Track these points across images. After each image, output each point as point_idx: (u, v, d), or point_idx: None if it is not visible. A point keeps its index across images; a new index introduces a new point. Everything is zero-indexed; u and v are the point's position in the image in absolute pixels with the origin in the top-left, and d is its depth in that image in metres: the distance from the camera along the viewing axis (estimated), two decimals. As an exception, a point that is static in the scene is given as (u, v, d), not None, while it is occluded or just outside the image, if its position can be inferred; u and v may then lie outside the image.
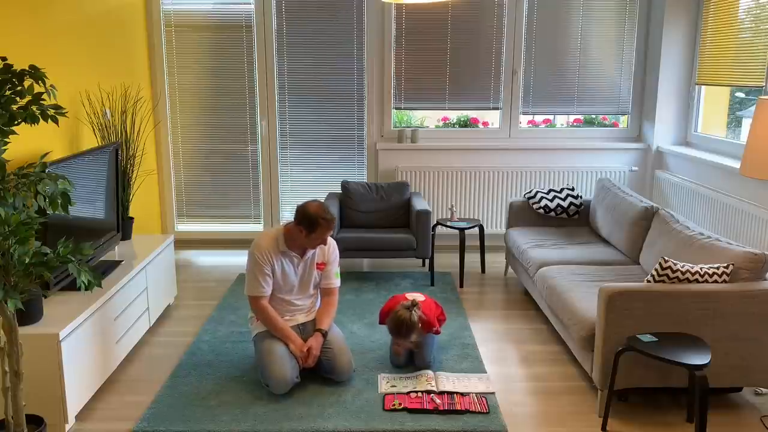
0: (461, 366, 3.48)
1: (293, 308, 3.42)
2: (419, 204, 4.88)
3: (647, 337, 2.83)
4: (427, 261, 5.25)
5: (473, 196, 5.61)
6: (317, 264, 3.43)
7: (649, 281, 3.03)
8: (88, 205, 3.51)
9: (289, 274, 3.36)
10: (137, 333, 3.67)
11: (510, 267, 4.92)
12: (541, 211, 4.77)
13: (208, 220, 5.86)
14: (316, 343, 3.28)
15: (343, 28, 5.48)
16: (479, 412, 3.01)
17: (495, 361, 3.60)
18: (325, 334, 3.33)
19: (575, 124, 5.81)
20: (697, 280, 2.98)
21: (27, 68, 2.41)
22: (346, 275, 4.98)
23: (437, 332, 3.60)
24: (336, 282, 3.49)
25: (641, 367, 2.97)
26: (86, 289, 2.40)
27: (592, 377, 3.07)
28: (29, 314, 2.81)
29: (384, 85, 5.58)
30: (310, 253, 3.41)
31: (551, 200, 4.76)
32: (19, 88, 2.39)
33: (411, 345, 3.43)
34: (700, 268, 3.00)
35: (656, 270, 3.00)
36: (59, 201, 2.40)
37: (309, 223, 3.21)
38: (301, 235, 3.26)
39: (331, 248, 3.48)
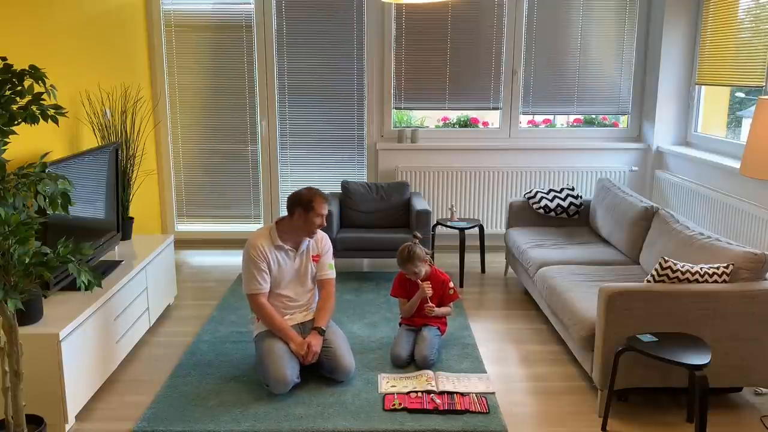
0: (461, 366, 3.49)
1: (292, 305, 3.42)
2: (419, 204, 4.88)
3: (647, 337, 2.83)
4: (427, 261, 5.25)
5: (473, 196, 5.61)
6: (313, 257, 3.46)
7: (649, 281, 3.03)
8: (88, 205, 3.51)
9: (286, 267, 3.37)
10: (137, 333, 3.67)
11: (510, 267, 4.92)
12: (541, 211, 4.77)
13: (208, 220, 5.86)
14: (315, 340, 3.28)
15: (343, 28, 5.48)
16: (479, 412, 3.01)
17: (495, 361, 3.60)
18: (322, 332, 3.33)
19: (575, 124, 5.81)
20: (697, 280, 2.98)
21: (27, 68, 2.41)
22: (346, 275, 4.98)
23: (443, 331, 3.68)
24: (330, 273, 3.50)
25: (641, 367, 2.97)
26: (86, 289, 2.40)
27: (592, 377, 3.07)
28: (29, 314, 2.81)
29: (384, 85, 5.58)
30: (304, 245, 3.42)
31: (551, 200, 4.76)
32: (19, 88, 2.39)
33: (418, 276, 3.61)
34: (700, 268, 3.00)
35: (656, 270, 3.00)
36: (59, 201, 2.40)
37: (306, 202, 3.29)
38: (299, 220, 3.31)
39: (323, 240, 3.52)
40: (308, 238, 3.43)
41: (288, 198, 3.36)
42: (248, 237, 3.45)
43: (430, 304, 3.59)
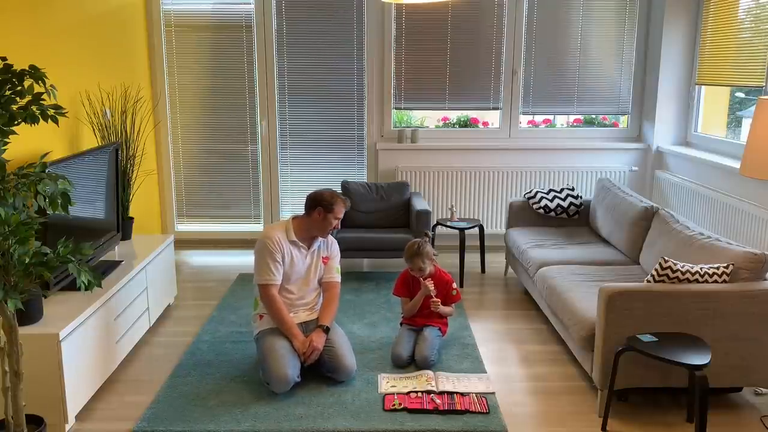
0: (461, 366, 3.49)
1: (298, 302, 3.44)
2: (419, 204, 4.88)
3: (647, 337, 2.83)
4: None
5: (473, 196, 5.61)
6: (323, 258, 3.50)
7: (649, 281, 3.03)
8: (88, 205, 3.51)
9: (297, 263, 3.41)
10: (137, 333, 3.67)
11: (510, 267, 4.92)
12: (541, 211, 4.77)
13: (208, 220, 5.86)
14: (318, 337, 3.29)
15: (343, 28, 5.48)
16: (479, 412, 3.01)
17: (495, 361, 3.60)
18: (326, 330, 3.34)
19: (575, 124, 5.81)
20: (697, 280, 2.98)
21: (27, 68, 2.41)
22: (346, 275, 4.98)
23: (443, 332, 3.67)
24: (337, 276, 3.54)
25: (641, 367, 2.97)
26: (86, 289, 2.40)
27: (592, 377, 3.07)
28: (29, 314, 2.81)
29: (384, 85, 5.58)
30: (316, 245, 3.47)
31: (551, 200, 4.76)
32: (19, 88, 2.39)
33: (423, 273, 3.62)
34: (700, 268, 3.00)
35: (656, 270, 3.00)
36: (59, 201, 2.40)
37: (327, 204, 3.38)
38: (318, 218, 3.39)
39: (333, 243, 3.58)
40: (322, 238, 3.49)
41: (309, 196, 3.43)
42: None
43: (436, 298, 3.60)
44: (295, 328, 3.32)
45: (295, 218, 3.48)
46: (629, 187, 5.58)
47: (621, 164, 5.60)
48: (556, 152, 5.62)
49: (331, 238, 3.57)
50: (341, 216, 3.43)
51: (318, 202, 3.39)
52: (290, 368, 3.14)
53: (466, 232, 5.62)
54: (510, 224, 4.88)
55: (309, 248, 3.46)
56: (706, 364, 2.60)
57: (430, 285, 3.60)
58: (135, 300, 3.64)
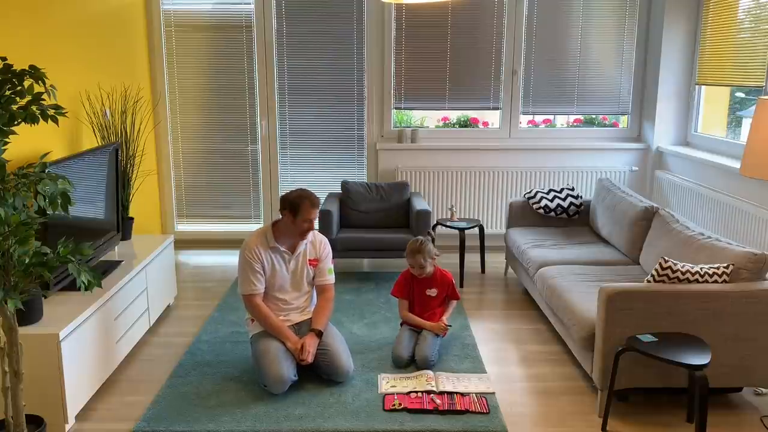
0: (461, 366, 3.49)
1: (287, 307, 3.42)
2: (419, 204, 4.88)
3: (647, 337, 2.83)
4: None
5: (473, 196, 5.62)
6: (309, 260, 3.44)
7: (649, 281, 3.03)
8: (88, 205, 3.51)
9: (280, 270, 3.36)
10: (137, 333, 3.67)
11: (510, 267, 4.92)
12: (541, 211, 4.77)
13: (207, 220, 5.86)
14: (310, 340, 3.27)
15: (343, 28, 5.48)
16: (479, 412, 3.01)
17: (495, 361, 3.60)
18: (319, 334, 3.32)
19: (575, 124, 5.82)
20: (697, 280, 2.98)
21: (27, 68, 2.41)
22: (346, 275, 4.98)
23: (444, 333, 3.65)
24: (330, 278, 3.50)
25: (641, 367, 2.97)
26: (86, 289, 2.40)
27: (592, 377, 3.07)
28: (29, 314, 2.81)
29: (384, 85, 5.58)
30: (300, 248, 3.41)
31: (551, 200, 4.76)
32: (19, 88, 2.39)
33: (423, 271, 3.62)
34: (700, 268, 3.00)
35: (656, 270, 3.00)
36: (59, 201, 2.40)
37: (293, 206, 3.26)
38: (288, 221, 3.29)
39: (322, 244, 3.50)
40: (302, 241, 3.39)
41: (280, 198, 3.35)
42: (248, 237, 3.44)
43: (443, 324, 3.62)
44: (287, 331, 3.30)
45: (275, 222, 3.39)
46: (629, 187, 5.58)
47: (621, 164, 5.61)
48: (556, 152, 5.62)
49: (320, 237, 3.49)
50: (311, 218, 3.27)
51: (284, 205, 3.27)
52: (285, 369, 3.13)
53: (466, 232, 5.62)
54: (510, 224, 4.88)
55: (293, 252, 3.39)
56: (706, 364, 2.60)
57: (443, 328, 3.61)
58: (135, 300, 3.64)
